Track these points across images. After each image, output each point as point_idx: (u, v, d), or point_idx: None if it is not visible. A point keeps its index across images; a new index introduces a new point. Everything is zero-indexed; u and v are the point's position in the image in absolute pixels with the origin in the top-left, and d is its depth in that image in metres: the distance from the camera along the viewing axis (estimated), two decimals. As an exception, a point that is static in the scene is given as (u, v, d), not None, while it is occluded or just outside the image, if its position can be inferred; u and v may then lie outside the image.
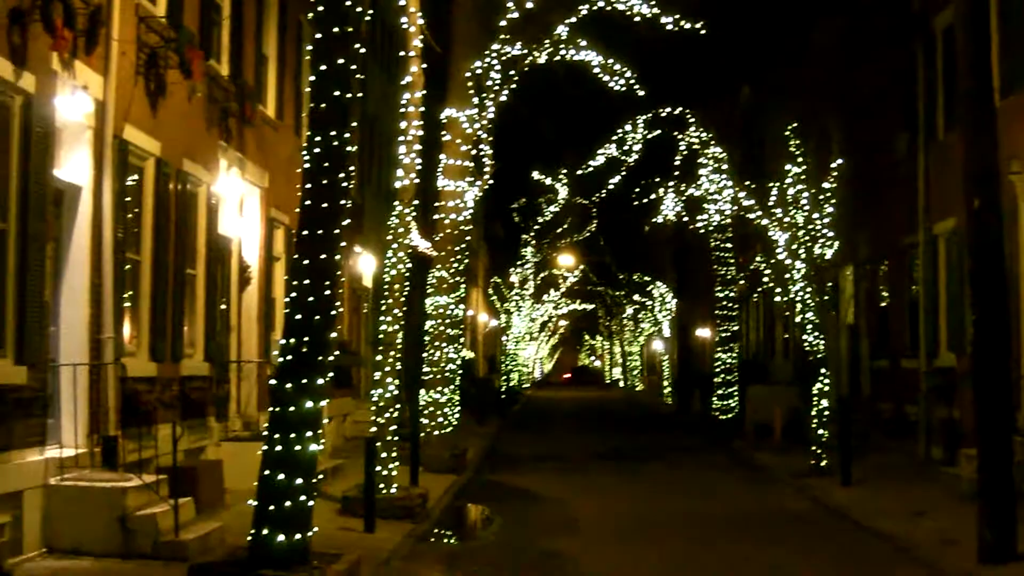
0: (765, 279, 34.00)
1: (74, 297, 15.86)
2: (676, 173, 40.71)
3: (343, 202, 13.00)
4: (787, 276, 27.31)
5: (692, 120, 35.80)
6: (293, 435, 12.50)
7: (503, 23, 27.31)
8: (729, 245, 44.41)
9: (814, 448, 25.87)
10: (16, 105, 14.00)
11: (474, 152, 28.19)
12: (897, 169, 30.35)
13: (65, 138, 15.61)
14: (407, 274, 20.50)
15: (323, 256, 12.77)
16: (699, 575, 15.45)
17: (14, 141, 14.00)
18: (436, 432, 26.80)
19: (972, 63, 16.24)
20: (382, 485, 19.12)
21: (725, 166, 33.03)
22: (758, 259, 35.26)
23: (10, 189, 13.92)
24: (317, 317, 12.69)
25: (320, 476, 15.09)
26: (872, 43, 32.22)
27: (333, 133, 12.89)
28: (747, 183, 31.08)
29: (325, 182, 12.84)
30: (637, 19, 27.62)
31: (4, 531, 13.30)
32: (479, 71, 27.57)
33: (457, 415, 28.43)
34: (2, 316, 13.78)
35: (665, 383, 69.96)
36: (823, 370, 26.53)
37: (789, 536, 18.66)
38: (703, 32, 27.77)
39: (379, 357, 20.23)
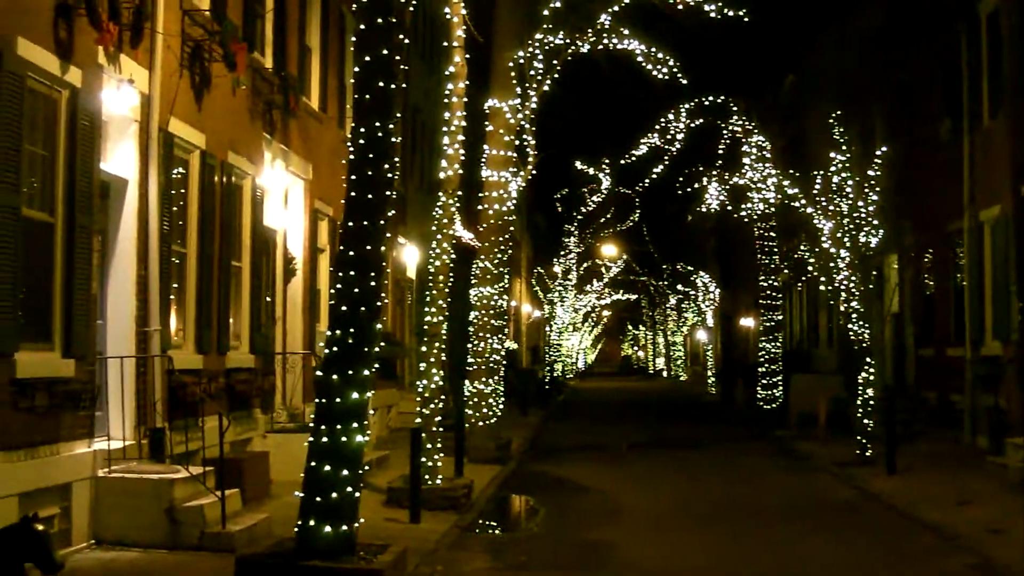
0: (809, 268, 33.91)
1: (121, 290, 15.96)
2: (719, 162, 40.64)
3: (388, 193, 13.00)
4: (831, 264, 27.20)
5: (735, 108, 35.71)
6: (339, 426, 12.53)
7: (545, 12, 27.28)
8: (773, 234, 44.24)
9: (859, 437, 25.77)
10: (63, 99, 14.09)
11: (517, 142, 28.17)
12: (941, 155, 30.18)
13: (111, 131, 15.71)
14: (451, 265, 20.53)
15: (368, 248, 12.79)
16: (743, 564, 15.42)
17: (61, 135, 14.09)
18: (480, 423, 26.82)
19: (1018, 49, 16.14)
20: (427, 476, 19.17)
21: (768, 154, 32.93)
22: (802, 248, 35.15)
23: (57, 182, 14.02)
24: (363, 308, 12.71)
25: (366, 467, 15.13)
26: (915, 29, 32.05)
27: (377, 124, 12.89)
28: (791, 171, 30.97)
29: (370, 173, 12.85)
30: (680, 7, 27.52)
31: (53, 523, 13.40)
32: (522, 61, 27.55)
33: (501, 406, 28.46)
34: (50, 309, 13.89)
35: (709, 373, 69.81)
36: (868, 359, 26.41)
37: (833, 525, 18.60)
38: (746, 19, 27.62)
39: (424, 348, 20.27)
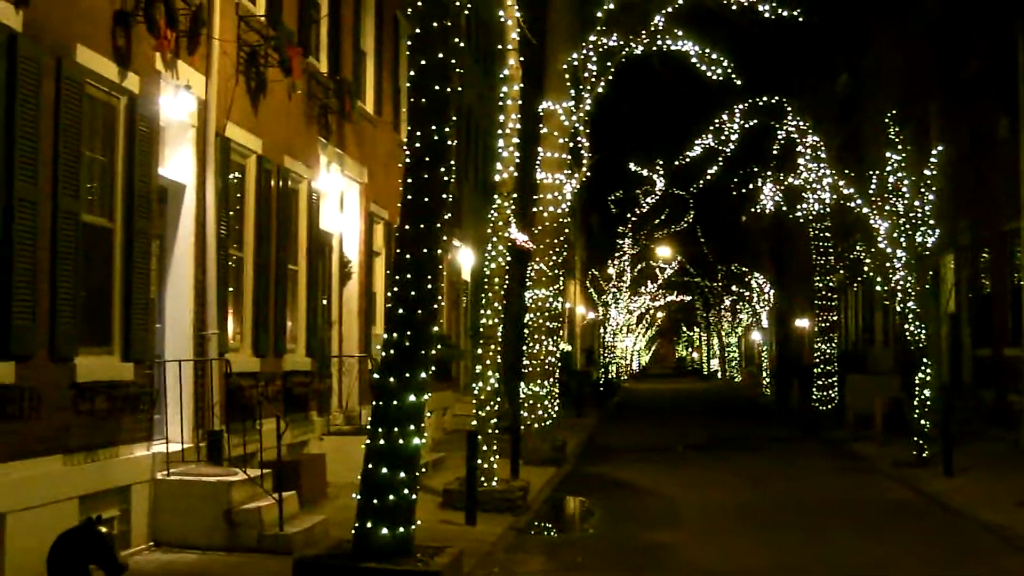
0: (865, 268, 33.74)
1: (178, 294, 16.10)
2: (774, 163, 40.51)
3: (444, 197, 13.05)
4: (887, 265, 27.06)
5: (789, 108, 35.58)
6: (396, 429, 12.58)
7: (599, 14, 27.26)
8: (828, 234, 44.05)
9: (915, 438, 25.63)
10: (121, 105, 14.24)
11: (571, 144, 28.18)
12: (998, 154, 29.97)
13: (169, 137, 15.85)
14: (506, 267, 20.56)
15: (425, 250, 12.82)
16: (804, 566, 15.38)
17: (119, 141, 14.23)
18: (536, 425, 26.84)
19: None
20: (483, 478, 19.20)
21: (823, 154, 32.81)
22: (858, 248, 35.00)
23: (116, 188, 14.17)
24: (419, 311, 12.75)
25: (422, 470, 15.19)
26: (971, 26, 31.83)
27: (433, 128, 12.93)
28: (846, 171, 30.84)
29: (426, 177, 12.89)
30: (734, 7, 27.43)
31: (113, 525, 13.53)
32: (575, 63, 27.56)
33: (556, 408, 28.46)
34: (109, 313, 14.03)
35: (764, 374, 69.56)
36: (924, 359, 26.26)
37: (892, 526, 18.52)
38: (800, 19, 27.52)
39: (479, 350, 20.32)
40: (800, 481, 24.69)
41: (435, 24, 13.05)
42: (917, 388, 26.08)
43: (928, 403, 25.91)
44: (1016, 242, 29.04)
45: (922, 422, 25.70)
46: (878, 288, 31.55)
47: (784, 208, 42.36)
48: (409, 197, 12.93)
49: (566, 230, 28.51)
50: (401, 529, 12.54)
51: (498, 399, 20.56)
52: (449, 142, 13.11)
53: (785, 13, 27.10)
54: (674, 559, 15.71)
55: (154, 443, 14.85)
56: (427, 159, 12.90)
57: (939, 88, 34.35)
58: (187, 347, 16.00)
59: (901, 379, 33.75)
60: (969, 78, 32.37)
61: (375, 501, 12.49)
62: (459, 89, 13.54)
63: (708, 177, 44.07)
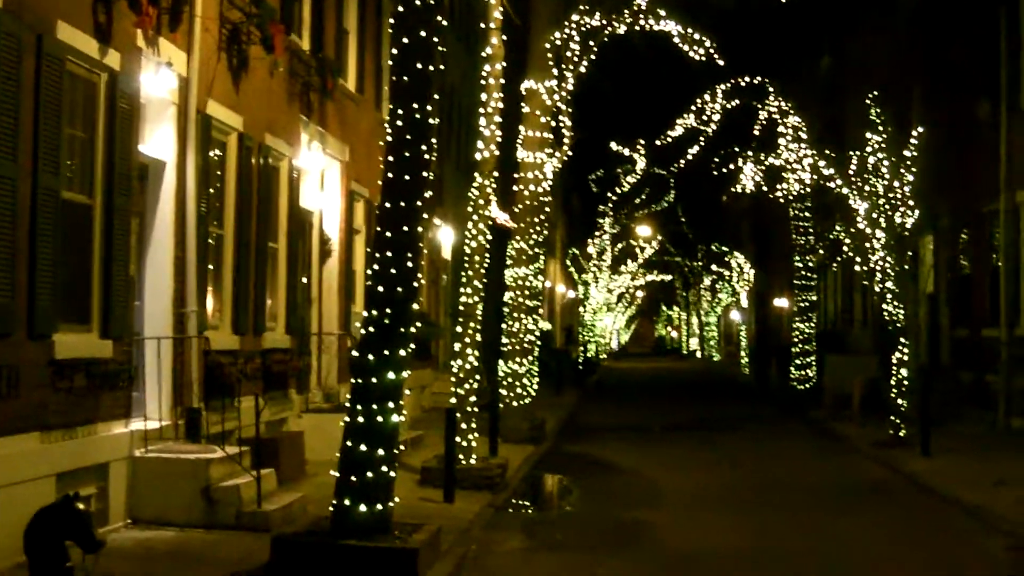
0: (844, 248, 33.79)
1: (158, 271, 16.07)
2: (755, 143, 40.56)
3: (425, 175, 13.05)
4: (867, 245, 27.12)
5: (772, 89, 35.60)
6: (375, 406, 12.60)
7: (582, -6, 27.28)
8: (808, 215, 44.14)
9: (893, 418, 25.73)
10: (102, 82, 14.19)
11: (553, 123, 28.18)
12: (978, 137, 30.05)
13: (149, 114, 15.79)
14: (487, 245, 20.56)
15: (405, 229, 12.83)
16: (781, 544, 15.45)
17: (100, 117, 14.19)
18: (515, 403, 26.89)
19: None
20: (462, 456, 19.25)
21: (805, 135, 32.85)
22: (837, 228, 35.07)
23: (96, 165, 14.13)
24: (399, 289, 12.76)
25: (401, 447, 15.22)
26: (954, 9, 31.88)
27: (415, 106, 12.93)
28: (827, 152, 30.89)
29: (407, 155, 12.89)
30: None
31: (91, 502, 13.51)
32: (558, 42, 27.55)
33: (535, 386, 28.53)
34: (88, 290, 14.01)
35: (743, 353, 69.73)
36: (903, 339, 26.36)
37: (870, 506, 18.61)
38: (784, 0, 27.54)
39: (459, 328, 20.34)
40: (779, 461, 24.79)
41: (418, 2, 13.03)
42: (895, 368, 26.17)
43: (906, 383, 26.00)
44: (995, 223, 29.13)
45: (900, 402, 25.80)
46: (857, 268, 31.56)
47: (765, 188, 42.39)
48: (390, 175, 12.94)
49: (547, 209, 28.51)
50: (379, 506, 12.57)
51: (477, 377, 20.59)
52: (431, 121, 13.11)
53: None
54: (653, 538, 15.78)
55: (132, 420, 14.84)
56: (409, 137, 12.90)
57: (922, 71, 34.39)
58: (166, 324, 15.97)
59: (879, 359, 33.86)
60: (952, 61, 32.42)
61: (353, 478, 12.52)
62: (442, 68, 13.46)
63: (689, 157, 44.13)
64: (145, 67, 15.05)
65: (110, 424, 14.25)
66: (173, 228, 16.19)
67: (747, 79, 35.54)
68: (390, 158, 12.97)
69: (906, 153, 26.73)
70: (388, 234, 12.84)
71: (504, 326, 27.40)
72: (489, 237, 20.70)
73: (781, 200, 42.84)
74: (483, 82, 20.88)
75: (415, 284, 13.02)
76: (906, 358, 26.33)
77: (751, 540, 15.71)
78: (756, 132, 39.30)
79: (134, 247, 15.29)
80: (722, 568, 14.11)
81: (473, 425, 20.07)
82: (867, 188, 26.93)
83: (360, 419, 12.62)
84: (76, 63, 13.56)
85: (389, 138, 13.00)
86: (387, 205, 12.95)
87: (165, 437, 15.32)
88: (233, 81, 18.14)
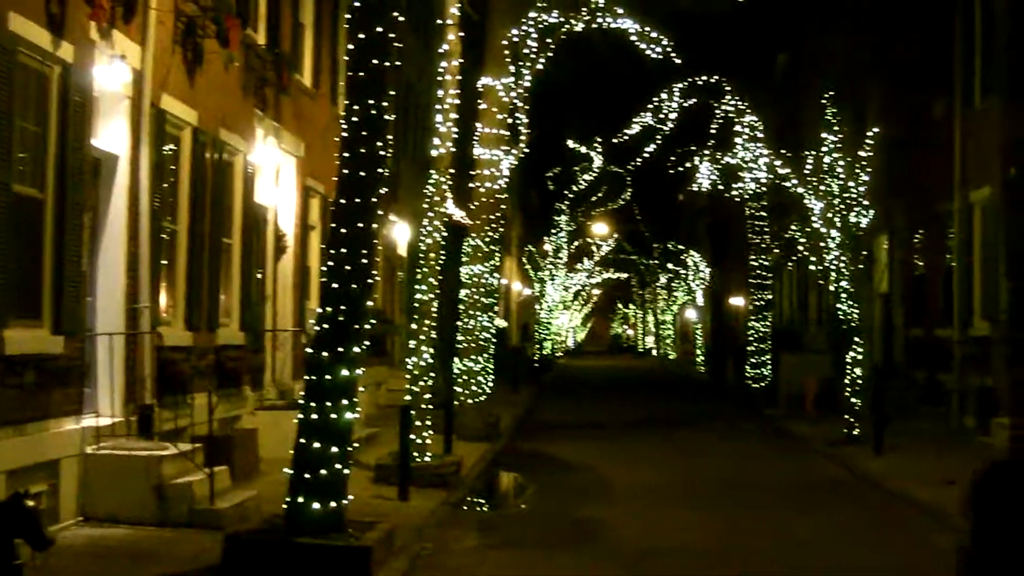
0: (800, 247, 33.93)
1: (111, 267, 15.92)
2: (712, 141, 40.63)
3: (380, 171, 12.99)
4: (822, 244, 27.23)
5: (728, 88, 35.67)
6: (329, 403, 12.54)
7: (540, -10, 27.25)
8: (764, 214, 44.28)
9: (847, 416, 25.84)
10: (54, 75, 14.04)
11: (510, 120, 28.15)
12: (933, 137, 30.21)
13: (103, 107, 15.65)
14: (442, 243, 20.52)
15: (360, 225, 12.77)
16: (733, 542, 15.46)
17: (52, 110, 14.04)
18: (470, 400, 26.86)
19: (1010, 29, 16.13)
20: (416, 453, 19.18)
21: (761, 134, 32.94)
22: (793, 227, 35.18)
23: (48, 158, 13.98)
24: (354, 286, 12.70)
25: (355, 444, 15.15)
26: (909, 9, 32.04)
27: (371, 102, 12.87)
28: (783, 151, 30.98)
29: (363, 151, 12.83)
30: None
31: (41, 499, 13.37)
32: (516, 39, 27.51)
33: (491, 383, 28.51)
34: (39, 286, 13.86)
35: (698, 352, 69.90)
36: (857, 339, 26.47)
37: (822, 504, 18.67)
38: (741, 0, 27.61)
39: (414, 326, 20.29)
40: (733, 459, 24.85)
41: (374, -2, 12.98)
42: (849, 367, 26.29)
43: (860, 382, 26.12)
44: (949, 223, 29.29)
45: (853, 401, 25.91)
46: (812, 268, 31.73)
47: (721, 187, 42.49)
48: (345, 171, 12.87)
49: (503, 206, 28.51)
50: (333, 504, 12.50)
51: (432, 374, 20.54)
52: (387, 116, 13.06)
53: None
54: (608, 535, 15.77)
55: (84, 417, 14.70)
56: (364, 133, 12.84)
57: (877, 71, 34.54)
58: (119, 320, 15.83)
59: (834, 358, 34.00)
60: (907, 62, 32.57)
61: (307, 476, 12.45)
62: (398, 64, 13.38)
63: (646, 155, 44.17)
64: (99, 60, 14.90)
65: (61, 421, 14.10)
66: (126, 223, 16.04)
67: (703, 78, 35.59)
68: (345, 154, 12.90)
69: (861, 153, 26.83)
70: (343, 230, 12.78)
71: (460, 323, 27.36)
72: (445, 234, 20.67)
73: (737, 199, 42.96)
74: (440, 78, 20.84)
75: (370, 281, 12.97)
76: (860, 357, 26.45)
77: (706, 537, 15.72)
78: (712, 131, 39.37)
79: (86, 242, 15.13)
80: (678, 565, 14.12)
81: (428, 422, 20.03)
82: (822, 187, 27.03)
83: (314, 416, 12.55)
84: (28, 55, 13.40)
85: (344, 134, 12.94)
86: (342, 201, 12.89)
87: (117, 434, 15.17)
88: (188, 75, 18.00)
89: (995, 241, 25.30)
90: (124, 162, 16.06)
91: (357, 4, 13.06)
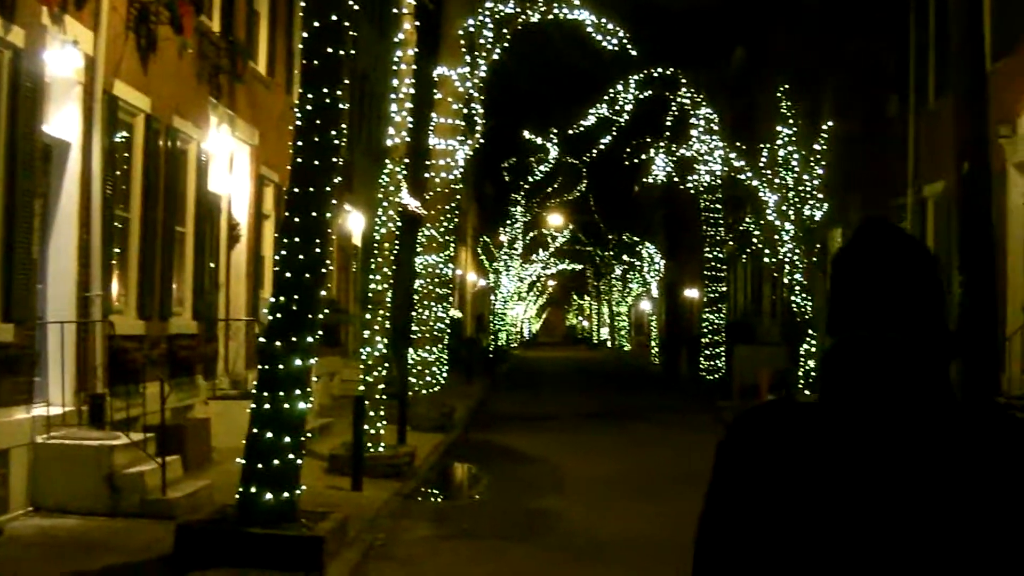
0: (754, 240, 34.06)
1: (62, 254, 15.80)
2: (667, 134, 40.74)
3: (334, 160, 12.95)
4: (776, 237, 27.35)
5: (684, 81, 35.76)
6: (282, 393, 12.49)
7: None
8: (719, 206, 44.41)
9: (801, 409, 25.93)
10: (4, 59, 13.90)
11: (465, 111, 28.12)
12: (888, 132, 30.35)
13: (54, 93, 15.52)
14: (397, 233, 20.47)
15: (314, 214, 12.73)
16: (686, 532, 15.47)
17: (2, 96, 13.89)
18: (424, 391, 26.82)
19: (963, 27, 16.23)
20: (370, 444, 19.15)
21: (716, 127, 33.04)
22: (747, 220, 35.31)
23: (-2, 144, 13.86)
24: (307, 275, 12.65)
25: (308, 434, 15.10)
26: (865, 8, 32.16)
27: (325, 90, 12.82)
28: (738, 144, 31.08)
29: (316, 139, 12.78)
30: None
31: (-9, 488, 13.30)
32: (471, 29, 27.47)
33: (445, 374, 28.48)
34: (-10, 272, 13.75)
35: (653, 343, 70.07)
36: (810, 331, 26.59)
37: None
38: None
39: (368, 316, 20.24)
40: (684, 449, 24.86)
41: (330, -15, 12.92)
42: (803, 359, 26.41)
43: (812, 374, 26.23)
44: (902, 218, 29.44)
45: (807, 392, 26.02)
46: (766, 260, 31.88)
47: (676, 179, 42.60)
48: (299, 160, 12.82)
49: (458, 196, 28.47)
50: (286, 494, 12.46)
51: (386, 365, 20.50)
52: (341, 105, 13.01)
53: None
54: (562, 525, 15.77)
55: (34, 406, 14.57)
56: (318, 122, 12.79)
57: (832, 65, 34.67)
58: (70, 308, 15.71)
59: (788, 350, 34.15)
60: (862, 57, 32.70)
61: (260, 465, 12.40)
62: (353, 52, 13.36)
63: (601, 146, 44.24)
64: (50, 45, 14.77)
65: (11, 410, 13.98)
66: (78, 210, 15.92)
67: (659, 70, 35.66)
68: (299, 142, 12.85)
69: (816, 147, 26.95)
70: (296, 219, 12.73)
71: (414, 314, 27.32)
72: (399, 224, 20.61)
73: (692, 191, 43.08)
74: (395, 67, 20.78)
75: (323, 270, 12.93)
76: (814, 349, 26.57)
77: (659, 528, 15.73)
78: (668, 123, 39.47)
79: (37, 229, 15.01)
80: (631, 555, 14.13)
81: (382, 413, 19.99)
82: (777, 181, 27.14)
83: (267, 406, 12.50)
84: (-22, 40, 13.29)
85: (298, 122, 12.89)
86: (296, 190, 12.84)
87: (68, 423, 15.07)
88: (141, 62, 17.88)
89: (947, 235, 25.47)
90: (76, 149, 15.93)
91: (312, -8, 13.01)
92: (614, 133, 41.96)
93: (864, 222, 2.90)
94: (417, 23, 21.37)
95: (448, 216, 27.48)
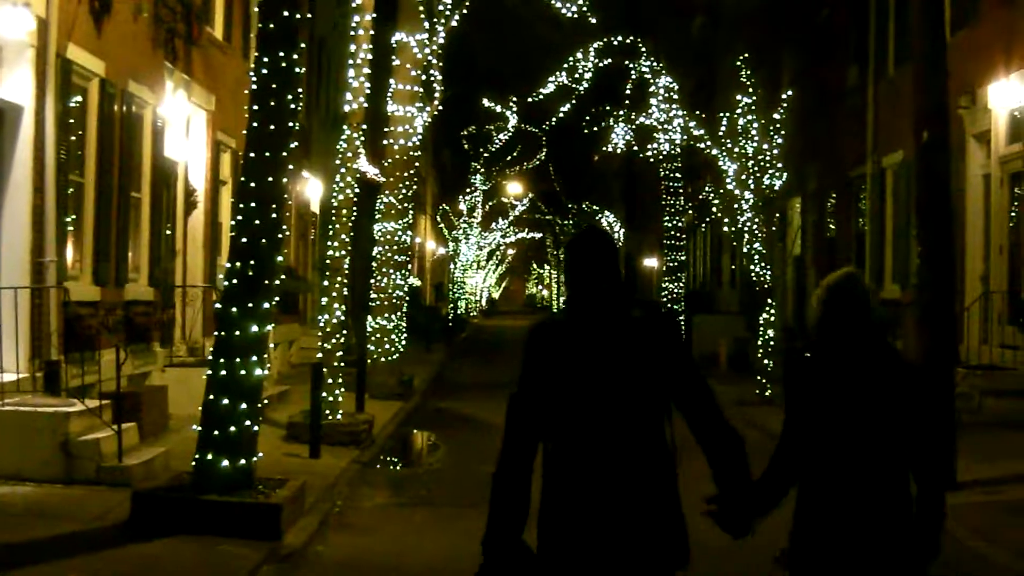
0: (713, 209, 34.05)
1: (15, 220, 15.65)
2: (627, 102, 40.64)
3: (290, 124, 12.85)
4: (735, 206, 27.32)
5: (643, 49, 35.65)
6: (238, 359, 12.40)
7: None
8: (678, 175, 44.37)
9: (759, 378, 26.00)
10: (-44, 22, 13.73)
11: (424, 77, 27.97)
12: (847, 102, 30.41)
13: (6, 56, 15.34)
14: (355, 199, 20.36)
15: (270, 179, 12.62)
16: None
17: (-46, 59, 13.74)
18: (383, 359, 26.75)
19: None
20: (328, 411, 19.09)
21: (676, 95, 32.95)
22: (707, 189, 35.30)
23: (-50, 108, 13.68)
24: (263, 241, 12.56)
25: (266, 402, 15.04)
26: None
27: (281, 54, 12.70)
28: (697, 113, 31.02)
29: (272, 104, 12.67)
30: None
31: (-56, 455, 13.16)
32: (430, -5, 27.33)
33: (404, 342, 28.41)
34: (-58, 238, 13.59)
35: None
36: (769, 300, 26.62)
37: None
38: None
39: (326, 283, 20.15)
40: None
41: (286, -52, 12.79)
42: (762, 329, 26.44)
43: (772, 344, 26.28)
44: (862, 188, 29.52)
45: (765, 362, 26.07)
46: (726, 229, 31.85)
47: (635, 148, 42.54)
48: (255, 124, 12.71)
49: (417, 164, 28.36)
50: (242, 461, 12.40)
51: (344, 332, 20.42)
52: (298, 69, 12.91)
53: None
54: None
55: (-13, 373, 14.46)
56: (274, 86, 12.68)
57: (792, 34, 34.67)
58: (23, 274, 15.56)
59: (747, 320, 34.23)
60: (822, 27, 32.73)
61: (216, 433, 12.32)
62: (309, 16, 13.23)
63: (561, 115, 44.14)
64: (1, 6, 14.58)
65: (-36, 376, 13.86)
66: (31, 175, 15.74)
67: (619, 38, 35.55)
68: (255, 107, 12.74)
69: (775, 116, 26.94)
70: (252, 184, 12.63)
71: (372, 281, 27.22)
72: (357, 190, 20.50)
73: (651, 160, 43.04)
74: (352, 33, 20.64)
75: (280, 236, 12.85)
76: (773, 319, 26.61)
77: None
78: (628, 91, 39.38)
79: (-10, 194, 14.86)
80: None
81: (340, 381, 19.92)
82: (736, 150, 27.09)
83: (223, 372, 12.42)
84: (-71, 2, 13.09)
85: (254, 86, 12.77)
86: (251, 155, 12.73)
87: (22, 390, 14.94)
88: (95, 25, 17.66)
89: (906, 205, 25.53)
90: (29, 113, 15.75)
91: (269, -45, 12.87)
92: (573, 102, 41.87)
93: (585, 228, 5.69)
94: (375, -12, 21.23)
95: (407, 183, 27.36)
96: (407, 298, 29.53)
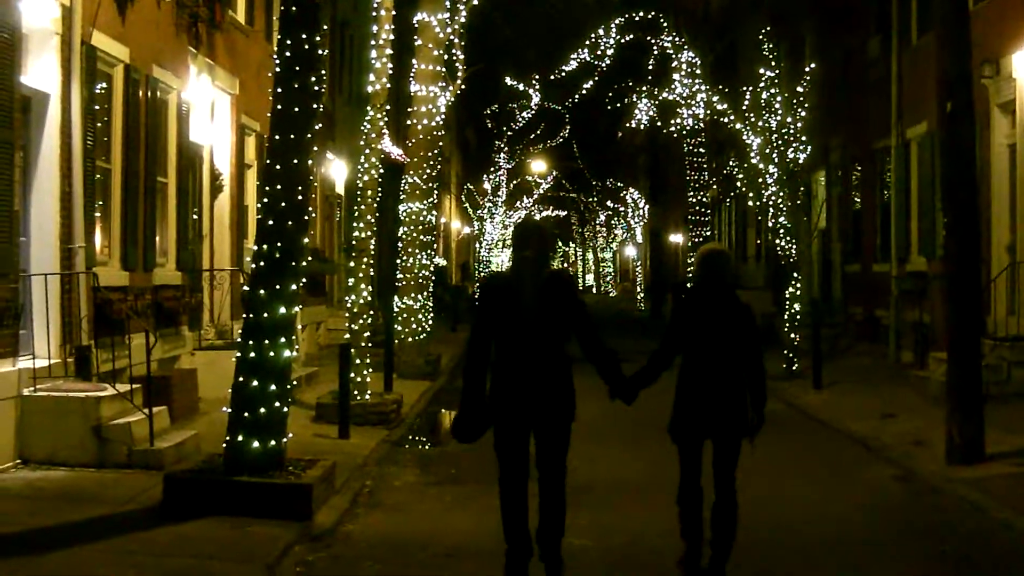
0: (738, 184, 34.01)
1: (44, 206, 15.73)
2: (649, 78, 40.60)
3: (314, 106, 12.90)
4: (760, 181, 27.29)
5: (665, 24, 35.61)
6: (267, 341, 12.48)
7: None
8: (702, 150, 44.33)
9: (785, 352, 26.01)
10: (-19, 11, 13.82)
11: (446, 57, 27.94)
12: (870, 73, 30.29)
13: (31, 44, 15.41)
14: (380, 180, 20.41)
15: (295, 161, 12.68)
16: (674, 475, 15.52)
17: (-20, 47, 13.82)
18: (410, 339, 26.77)
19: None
20: (356, 392, 19.18)
21: (698, 70, 32.90)
22: (731, 164, 35.25)
23: (-24, 97, 13.77)
24: (289, 223, 12.62)
25: (295, 383, 15.11)
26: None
27: (304, 36, 12.75)
28: (720, 87, 30.97)
29: (296, 86, 12.72)
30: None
31: (-22, 441, 13.28)
32: (451, -26, 27.28)
33: (430, 322, 28.45)
34: (-29, 225, 13.68)
35: (638, 289, 70.11)
36: (795, 274, 26.61)
37: (763, 437, 18.68)
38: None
39: (352, 264, 20.20)
40: (670, 393, 24.90)
41: (307, -70, 12.83)
42: (788, 303, 26.43)
43: (798, 318, 26.28)
44: (887, 160, 29.42)
45: (792, 336, 26.07)
46: (750, 204, 31.82)
47: (659, 123, 42.49)
48: (279, 107, 12.76)
49: (440, 143, 28.31)
50: (272, 442, 12.48)
51: (371, 313, 20.49)
52: (320, 51, 12.96)
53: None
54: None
55: (20, 359, 14.55)
56: (297, 68, 12.73)
57: (814, 6, 34.55)
58: (53, 261, 15.66)
59: (772, 294, 34.19)
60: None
61: (246, 414, 12.41)
62: (332, -2, 13.33)
63: (584, 92, 44.08)
64: (27, -5, 14.66)
65: (-3, 363, 13.97)
66: (59, 162, 15.84)
67: (641, 13, 35.50)
68: (279, 89, 12.79)
69: (799, 89, 26.88)
70: (277, 166, 12.69)
71: (398, 261, 27.24)
72: (382, 171, 20.57)
73: (675, 135, 43.00)
74: (374, 13, 20.66)
75: (305, 217, 12.91)
76: (798, 293, 26.61)
77: (644, 471, 15.80)
78: (650, 67, 39.33)
79: (18, 181, 14.94)
80: (613, 497, 14.23)
81: (368, 361, 20.00)
82: (760, 123, 27.06)
83: (252, 354, 12.50)
84: (-47, -9, 13.17)
85: (277, 68, 12.83)
86: (276, 137, 12.79)
87: (54, 375, 15.05)
88: (119, 11, 17.75)
89: (931, 177, 25.47)
90: (55, 100, 15.84)
91: (290, -62, 12.91)
92: (596, 78, 41.81)
93: (525, 218, 6.08)
94: (396, -32, 21.23)
95: (431, 163, 27.35)
96: (433, 278, 29.53)
